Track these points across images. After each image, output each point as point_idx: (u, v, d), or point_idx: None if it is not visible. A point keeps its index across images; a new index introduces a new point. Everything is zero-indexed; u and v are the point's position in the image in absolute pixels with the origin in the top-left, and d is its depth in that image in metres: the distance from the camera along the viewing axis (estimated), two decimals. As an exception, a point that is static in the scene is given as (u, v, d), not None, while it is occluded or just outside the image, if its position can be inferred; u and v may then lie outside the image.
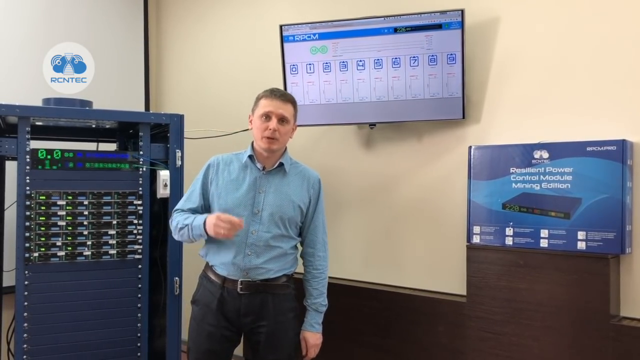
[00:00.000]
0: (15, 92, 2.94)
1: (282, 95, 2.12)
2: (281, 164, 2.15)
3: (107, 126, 2.68)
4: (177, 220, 2.15)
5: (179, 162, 2.52)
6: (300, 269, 2.24)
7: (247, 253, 2.08)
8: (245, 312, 2.09)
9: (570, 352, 2.05)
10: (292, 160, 2.22)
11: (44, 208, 2.34)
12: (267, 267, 2.09)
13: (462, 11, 2.29)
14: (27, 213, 2.31)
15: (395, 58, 2.46)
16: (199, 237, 2.09)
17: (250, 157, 2.15)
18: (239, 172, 2.15)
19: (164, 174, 2.48)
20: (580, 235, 2.06)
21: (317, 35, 2.58)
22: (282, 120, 2.09)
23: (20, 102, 2.35)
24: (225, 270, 2.10)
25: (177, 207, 2.23)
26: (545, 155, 2.15)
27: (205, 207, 2.19)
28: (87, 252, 2.40)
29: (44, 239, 2.34)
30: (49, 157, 2.36)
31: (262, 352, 2.12)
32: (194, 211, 2.18)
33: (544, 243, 2.14)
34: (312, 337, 2.17)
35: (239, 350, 2.31)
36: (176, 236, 2.18)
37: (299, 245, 2.23)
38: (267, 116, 2.09)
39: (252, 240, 2.08)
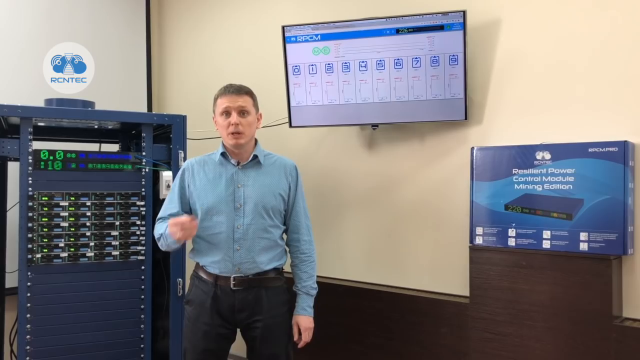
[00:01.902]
0: (15, 92, 2.94)
1: (237, 89, 2.13)
2: (255, 156, 2.16)
3: (110, 127, 2.68)
4: (156, 230, 2.16)
5: (181, 163, 2.52)
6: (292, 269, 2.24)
7: (235, 248, 2.08)
8: (239, 308, 2.10)
9: (573, 353, 2.05)
10: (266, 151, 2.23)
11: (46, 209, 2.34)
12: (257, 260, 2.09)
13: (464, 12, 2.30)
14: (30, 214, 2.32)
15: (398, 59, 2.46)
16: (174, 244, 2.08)
17: (223, 154, 2.16)
18: (215, 171, 2.16)
19: (166, 175, 2.48)
20: (583, 236, 2.07)
21: (319, 36, 2.58)
22: (242, 112, 2.11)
23: (19, 102, 2.35)
24: (217, 269, 2.10)
25: (159, 215, 2.21)
26: (547, 156, 2.15)
27: (186, 211, 2.18)
28: (90, 253, 2.40)
29: (46, 240, 2.34)
30: (51, 158, 2.36)
31: (259, 347, 2.12)
32: (175, 216, 2.16)
33: (546, 244, 2.14)
34: (304, 320, 2.16)
35: (240, 351, 2.31)
36: (160, 246, 2.17)
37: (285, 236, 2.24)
38: (226, 113, 2.11)
39: (239, 235, 2.09)
